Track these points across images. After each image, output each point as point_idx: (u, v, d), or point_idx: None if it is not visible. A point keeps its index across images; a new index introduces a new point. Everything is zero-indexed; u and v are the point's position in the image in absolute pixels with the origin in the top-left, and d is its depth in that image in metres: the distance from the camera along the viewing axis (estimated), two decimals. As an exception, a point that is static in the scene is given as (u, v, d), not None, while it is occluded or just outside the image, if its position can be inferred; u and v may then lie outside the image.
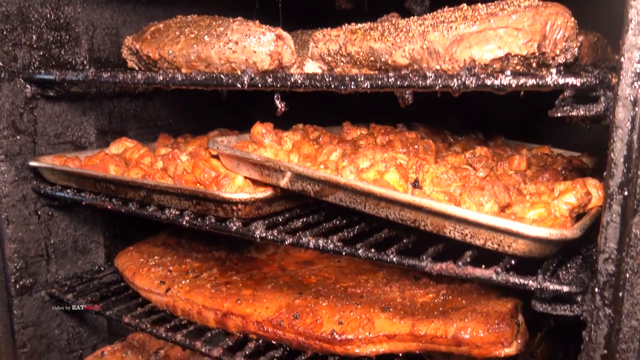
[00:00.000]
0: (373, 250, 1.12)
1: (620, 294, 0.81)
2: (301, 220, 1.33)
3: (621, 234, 0.79)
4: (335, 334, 1.33)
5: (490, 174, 1.30)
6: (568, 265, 1.02)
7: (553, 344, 1.67)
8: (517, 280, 0.96)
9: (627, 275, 0.80)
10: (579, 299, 0.91)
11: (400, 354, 1.31)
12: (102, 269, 1.92)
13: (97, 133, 1.87)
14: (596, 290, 0.83)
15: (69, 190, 1.62)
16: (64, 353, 1.88)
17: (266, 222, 1.31)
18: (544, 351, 1.62)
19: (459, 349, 1.22)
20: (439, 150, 1.54)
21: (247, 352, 1.38)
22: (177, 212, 1.39)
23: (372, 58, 1.21)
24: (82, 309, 1.65)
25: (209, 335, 1.46)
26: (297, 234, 1.22)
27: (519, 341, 1.21)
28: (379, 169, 1.18)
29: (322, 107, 1.93)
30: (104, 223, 1.93)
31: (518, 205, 1.13)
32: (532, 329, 1.32)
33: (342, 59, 1.29)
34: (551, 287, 0.92)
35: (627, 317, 0.81)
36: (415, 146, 1.44)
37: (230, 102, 1.87)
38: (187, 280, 1.61)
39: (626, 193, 0.78)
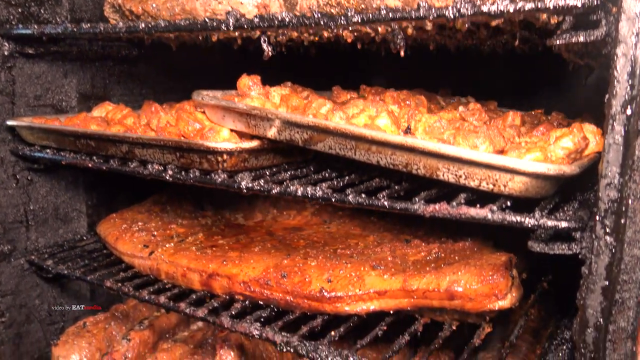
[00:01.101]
0: (363, 195, 1.07)
1: (622, 221, 0.77)
2: (289, 173, 1.29)
3: (624, 156, 0.75)
4: (324, 291, 1.29)
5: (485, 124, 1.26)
6: (565, 207, 0.98)
7: (545, 310, 1.64)
8: (513, 219, 0.92)
9: (630, 201, 0.76)
10: (577, 236, 0.87)
11: (392, 311, 1.26)
12: (85, 238, 1.87)
13: (79, 97, 1.81)
14: (597, 218, 0.79)
15: (48, 150, 1.56)
16: (44, 324, 1.82)
17: (253, 174, 1.26)
18: (537, 314, 1.59)
19: (451, 304, 1.18)
20: (431, 109, 1.50)
21: (233, 312, 1.33)
22: (160, 167, 1.34)
23: (362, 5, 1.17)
24: (63, 274, 1.59)
25: (194, 297, 1.41)
26: (285, 183, 1.17)
27: (514, 294, 1.17)
28: (370, 113, 1.14)
29: (312, 76, 1.87)
30: (86, 191, 1.87)
31: (513, 151, 1.09)
32: (526, 290, 1.29)
33: (332, 9, 1.25)
34: (549, 223, 0.88)
35: (629, 246, 0.77)
36: (408, 102, 1.40)
37: (218, 70, 1.81)
38: (172, 244, 1.56)
39: (629, 112, 0.74)
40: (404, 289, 1.22)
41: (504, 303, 1.15)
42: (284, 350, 1.21)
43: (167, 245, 1.55)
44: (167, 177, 1.30)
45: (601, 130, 1.07)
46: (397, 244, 1.46)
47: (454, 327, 1.27)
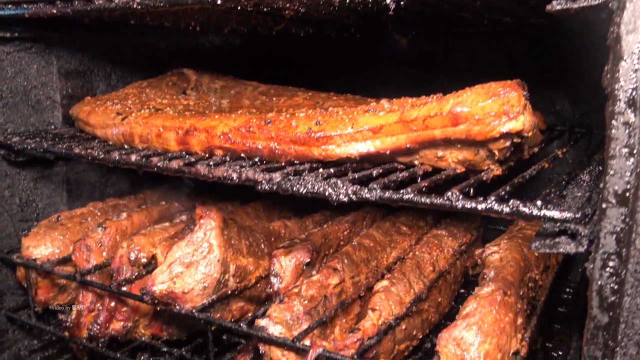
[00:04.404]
0: None
1: None
2: None
3: None
4: (312, 132, 1.14)
5: None
6: None
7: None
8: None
9: None
10: None
11: (388, 151, 1.12)
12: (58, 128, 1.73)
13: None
14: None
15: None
16: (15, 220, 1.68)
17: None
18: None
19: (455, 131, 1.03)
20: None
21: (211, 163, 1.19)
22: None
23: None
24: (29, 148, 1.45)
25: (169, 155, 1.27)
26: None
27: (527, 118, 1.02)
28: None
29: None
30: (61, 78, 1.73)
31: None
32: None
33: None
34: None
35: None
36: None
37: None
38: (147, 111, 1.42)
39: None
40: (401, 120, 1.08)
41: (516, 124, 1.00)
42: (265, 187, 1.07)
43: (142, 112, 1.41)
44: (136, 5, 1.16)
45: None
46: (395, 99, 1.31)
47: (459, 171, 1.13)
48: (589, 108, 2.00)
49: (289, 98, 1.67)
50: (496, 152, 1.07)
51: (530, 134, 1.04)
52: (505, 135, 1.02)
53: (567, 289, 1.79)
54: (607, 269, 0.70)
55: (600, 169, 1.05)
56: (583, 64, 1.95)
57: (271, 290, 1.33)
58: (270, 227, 1.60)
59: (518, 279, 1.18)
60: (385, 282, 1.30)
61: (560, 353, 1.16)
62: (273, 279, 1.32)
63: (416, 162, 1.16)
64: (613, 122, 0.67)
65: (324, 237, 1.47)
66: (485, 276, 1.19)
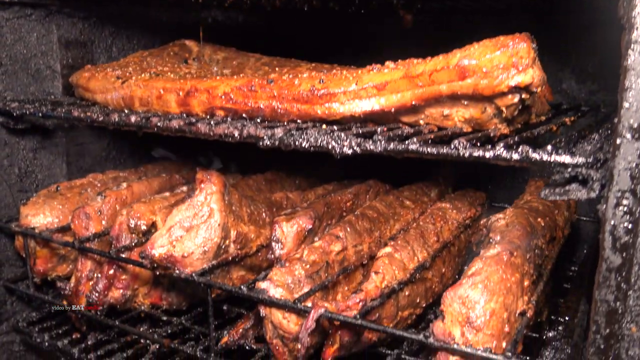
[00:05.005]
0: None
1: None
2: None
3: None
4: (315, 90, 1.12)
5: None
6: None
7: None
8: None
9: None
10: None
11: (393, 109, 1.09)
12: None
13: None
14: None
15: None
16: (14, 190, 1.66)
17: None
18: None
19: (462, 86, 1.01)
20: None
21: (212, 122, 1.17)
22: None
23: None
24: (28, 113, 1.43)
25: (169, 117, 1.25)
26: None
27: (536, 72, 0.99)
28: None
29: None
30: (61, 48, 1.71)
31: None
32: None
33: None
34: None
35: None
36: None
37: None
38: (147, 75, 1.40)
39: None
40: (407, 76, 1.05)
41: (525, 77, 0.97)
42: (267, 143, 1.04)
43: (142, 76, 1.39)
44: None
45: None
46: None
47: (465, 131, 1.10)
48: (595, 86, 1.97)
49: (292, 69, 1.65)
50: (504, 110, 1.05)
51: (539, 89, 1.02)
52: (514, 90, 1.00)
53: (572, 267, 1.76)
54: (621, 208, 0.67)
55: (609, 132, 1.03)
56: (590, 41, 1.93)
57: (272, 256, 1.30)
58: (272, 197, 1.57)
59: (525, 242, 1.16)
60: (388, 249, 1.27)
61: (567, 318, 1.14)
62: (274, 245, 1.30)
63: (421, 122, 1.13)
64: (629, 51, 0.64)
65: (326, 205, 1.45)
66: (491, 240, 1.17)
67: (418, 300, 1.31)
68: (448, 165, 1.97)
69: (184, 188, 1.63)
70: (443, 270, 1.45)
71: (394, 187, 1.76)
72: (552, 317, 1.31)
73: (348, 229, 1.35)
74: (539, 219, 1.34)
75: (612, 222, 0.68)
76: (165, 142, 1.97)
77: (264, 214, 1.47)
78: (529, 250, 1.17)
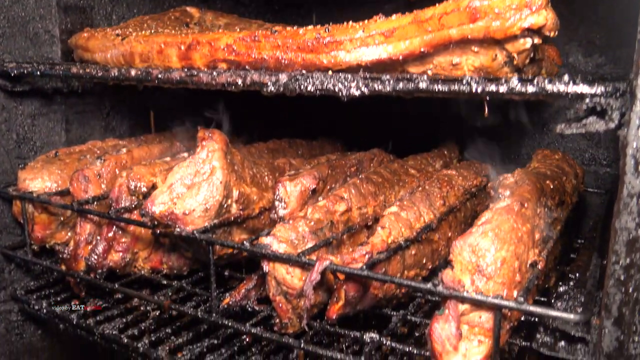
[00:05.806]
0: None
1: None
2: None
3: None
4: (320, 38, 1.09)
5: None
6: None
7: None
8: None
9: None
10: None
11: (401, 57, 1.06)
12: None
13: None
14: None
15: None
16: (12, 156, 1.63)
17: None
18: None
19: (473, 29, 0.98)
20: None
21: (214, 72, 1.13)
22: None
23: None
24: (25, 72, 1.40)
25: (170, 69, 1.22)
26: None
27: (549, 15, 0.96)
28: None
29: None
30: (60, 11, 1.67)
31: None
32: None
33: None
34: None
35: None
36: None
37: None
38: (147, 32, 1.37)
39: None
40: (416, 21, 1.02)
41: (538, 18, 0.94)
42: (271, 89, 1.01)
43: (142, 33, 1.36)
44: None
45: None
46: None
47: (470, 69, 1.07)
48: (602, 59, 1.95)
49: (295, 33, 1.62)
50: (515, 57, 1.02)
51: (552, 33, 0.99)
52: (526, 34, 0.97)
53: (579, 240, 1.74)
54: (644, 129, 0.64)
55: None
56: (597, 14, 1.90)
57: (275, 216, 1.27)
58: (275, 163, 1.55)
59: (535, 197, 1.13)
60: (394, 208, 1.24)
61: (578, 275, 1.11)
62: (277, 204, 1.27)
63: (429, 73, 1.10)
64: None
65: (330, 168, 1.42)
66: (500, 195, 1.14)
67: (424, 261, 1.28)
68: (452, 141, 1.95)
69: (185, 154, 1.60)
70: (449, 234, 1.42)
71: (398, 156, 1.73)
72: (561, 282, 1.29)
73: (353, 191, 1.32)
74: (548, 182, 1.32)
75: (635, 145, 0.65)
76: (167, 116, 1.94)
77: (266, 178, 1.44)
78: (539, 206, 1.14)
